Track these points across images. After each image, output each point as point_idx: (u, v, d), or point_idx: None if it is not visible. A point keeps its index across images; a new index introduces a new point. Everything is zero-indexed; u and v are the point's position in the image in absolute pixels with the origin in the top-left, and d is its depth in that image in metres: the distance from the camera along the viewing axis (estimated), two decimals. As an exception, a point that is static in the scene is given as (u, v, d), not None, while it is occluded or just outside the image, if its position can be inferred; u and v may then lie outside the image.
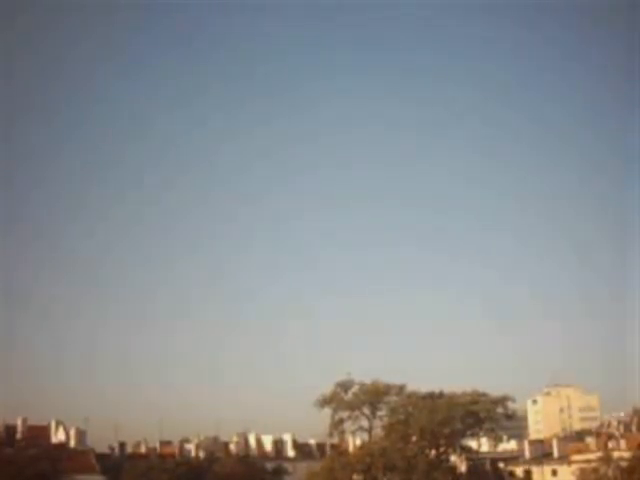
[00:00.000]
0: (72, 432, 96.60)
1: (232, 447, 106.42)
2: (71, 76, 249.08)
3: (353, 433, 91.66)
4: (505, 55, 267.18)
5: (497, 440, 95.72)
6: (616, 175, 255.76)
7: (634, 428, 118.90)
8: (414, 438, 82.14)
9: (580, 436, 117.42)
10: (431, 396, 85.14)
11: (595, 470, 73.92)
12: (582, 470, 78.43)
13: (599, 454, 78.85)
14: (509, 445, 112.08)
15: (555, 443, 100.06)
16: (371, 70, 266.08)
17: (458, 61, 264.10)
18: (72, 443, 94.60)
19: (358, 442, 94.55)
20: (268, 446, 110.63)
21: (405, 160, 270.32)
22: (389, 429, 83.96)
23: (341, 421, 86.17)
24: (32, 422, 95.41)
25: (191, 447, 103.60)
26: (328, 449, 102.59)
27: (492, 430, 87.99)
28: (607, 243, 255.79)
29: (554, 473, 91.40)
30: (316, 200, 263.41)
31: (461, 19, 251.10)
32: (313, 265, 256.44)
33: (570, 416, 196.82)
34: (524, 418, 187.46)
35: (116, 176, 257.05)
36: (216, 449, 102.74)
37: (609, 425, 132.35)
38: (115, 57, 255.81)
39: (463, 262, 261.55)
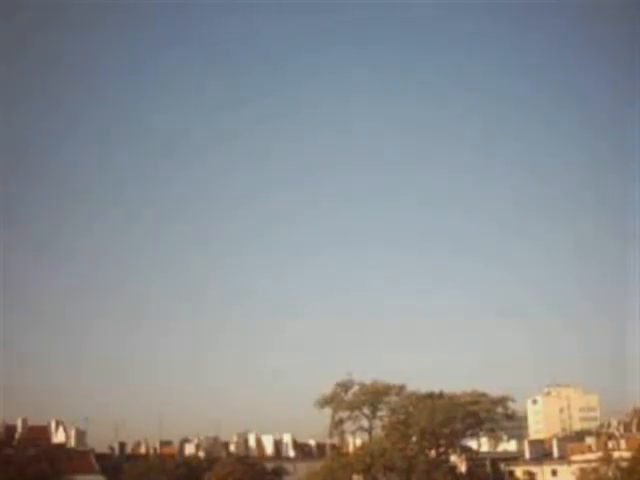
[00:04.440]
0: (72, 432, 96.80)
1: (232, 447, 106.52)
2: (70, 74, 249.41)
3: (353, 433, 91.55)
4: (505, 53, 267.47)
5: (497, 440, 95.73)
6: (617, 174, 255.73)
7: (634, 428, 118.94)
8: (414, 438, 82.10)
9: (580, 436, 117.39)
10: (431, 396, 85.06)
11: (595, 470, 73.84)
12: (582, 470, 78.38)
13: (599, 454, 78.84)
14: (509, 445, 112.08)
15: (555, 443, 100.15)
16: (371, 68, 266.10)
17: (458, 60, 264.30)
18: (72, 443, 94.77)
19: (358, 442, 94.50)
20: (268, 446, 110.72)
21: (405, 159, 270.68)
22: (389, 429, 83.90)
23: (341, 421, 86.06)
24: (32, 422, 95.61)
25: (191, 447, 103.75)
26: (328, 449, 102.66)
27: (492, 430, 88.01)
28: (608, 243, 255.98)
29: (554, 473, 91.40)
30: (314, 199, 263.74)
31: (461, 17, 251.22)
32: (313, 264, 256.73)
33: (570, 416, 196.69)
34: (524, 418, 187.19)
35: (110, 176, 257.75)
36: (216, 449, 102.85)
37: (609, 425, 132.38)
38: (114, 55, 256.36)
39: (463, 262, 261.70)
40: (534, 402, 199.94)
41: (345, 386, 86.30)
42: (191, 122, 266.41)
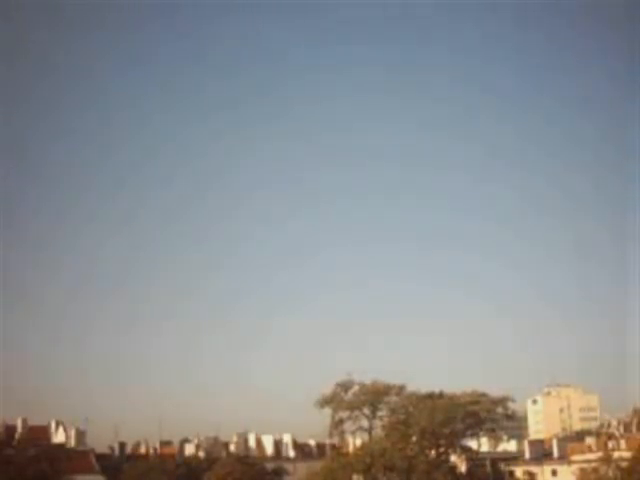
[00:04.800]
0: (72, 432, 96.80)
1: (232, 447, 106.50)
2: (70, 73, 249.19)
3: (353, 433, 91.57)
4: (506, 52, 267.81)
5: (497, 440, 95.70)
6: (618, 173, 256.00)
7: (634, 428, 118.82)
8: (414, 438, 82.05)
9: (580, 436, 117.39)
10: (431, 396, 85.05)
11: (595, 470, 73.83)
12: (582, 470, 78.41)
13: (599, 454, 78.81)
14: (509, 445, 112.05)
15: (555, 443, 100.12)
16: (372, 67, 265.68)
17: (460, 58, 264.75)
18: (72, 443, 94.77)
19: (358, 442, 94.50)
20: (268, 446, 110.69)
21: (405, 156, 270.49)
22: (389, 429, 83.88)
23: (341, 421, 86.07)
24: (32, 422, 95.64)
25: (191, 447, 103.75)
26: (328, 449, 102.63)
27: (492, 430, 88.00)
28: (608, 243, 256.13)
29: (554, 473, 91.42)
30: (312, 197, 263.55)
31: (462, 16, 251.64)
32: (312, 263, 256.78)
33: (570, 416, 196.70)
34: (524, 418, 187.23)
35: (108, 175, 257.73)
36: (216, 449, 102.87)
37: (609, 425, 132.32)
38: (114, 54, 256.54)
39: (463, 261, 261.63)
40: (534, 402, 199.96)
41: (345, 386, 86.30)
42: (190, 121, 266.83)
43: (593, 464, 76.10)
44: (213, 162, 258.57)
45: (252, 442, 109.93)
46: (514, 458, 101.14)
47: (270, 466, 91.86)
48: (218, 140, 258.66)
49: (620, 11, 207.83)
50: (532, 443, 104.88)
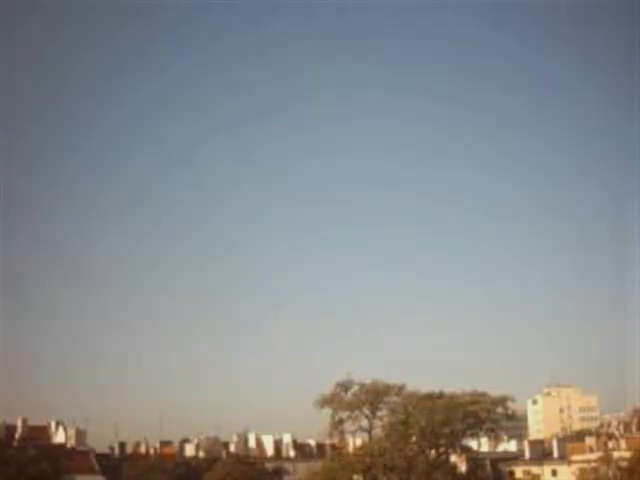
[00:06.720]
0: (72, 432, 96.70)
1: (232, 447, 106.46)
2: (72, 77, 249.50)
3: (353, 433, 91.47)
4: (507, 50, 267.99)
5: (497, 440, 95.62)
6: (616, 171, 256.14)
7: (634, 428, 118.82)
8: (414, 438, 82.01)
9: (580, 436, 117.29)
10: (431, 396, 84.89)
11: (595, 470, 73.91)
12: (582, 470, 78.43)
13: (599, 454, 78.85)
14: (509, 445, 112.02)
15: (555, 443, 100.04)
16: (375, 65, 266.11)
17: (460, 57, 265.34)
18: (72, 443, 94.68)
19: (358, 442, 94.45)
20: (268, 446, 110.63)
21: (404, 149, 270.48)
22: (389, 429, 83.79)
23: (341, 421, 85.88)
24: (32, 422, 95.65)
25: (191, 447, 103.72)
26: (328, 449, 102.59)
27: (492, 430, 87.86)
28: (608, 243, 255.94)
29: (554, 473, 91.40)
30: (314, 191, 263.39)
31: (463, 15, 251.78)
32: (311, 263, 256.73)
33: (570, 416, 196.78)
34: (524, 418, 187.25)
35: (99, 176, 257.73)
36: (216, 449, 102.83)
37: (609, 425, 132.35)
38: (116, 57, 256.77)
39: (463, 260, 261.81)
40: (534, 402, 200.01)
41: (345, 386, 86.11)
42: (187, 116, 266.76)
43: (593, 464, 76.19)
44: (202, 161, 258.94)
45: (252, 442, 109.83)
46: (514, 458, 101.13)
47: (270, 466, 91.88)
48: (212, 139, 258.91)
49: (620, 10, 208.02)
50: (532, 443, 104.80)
